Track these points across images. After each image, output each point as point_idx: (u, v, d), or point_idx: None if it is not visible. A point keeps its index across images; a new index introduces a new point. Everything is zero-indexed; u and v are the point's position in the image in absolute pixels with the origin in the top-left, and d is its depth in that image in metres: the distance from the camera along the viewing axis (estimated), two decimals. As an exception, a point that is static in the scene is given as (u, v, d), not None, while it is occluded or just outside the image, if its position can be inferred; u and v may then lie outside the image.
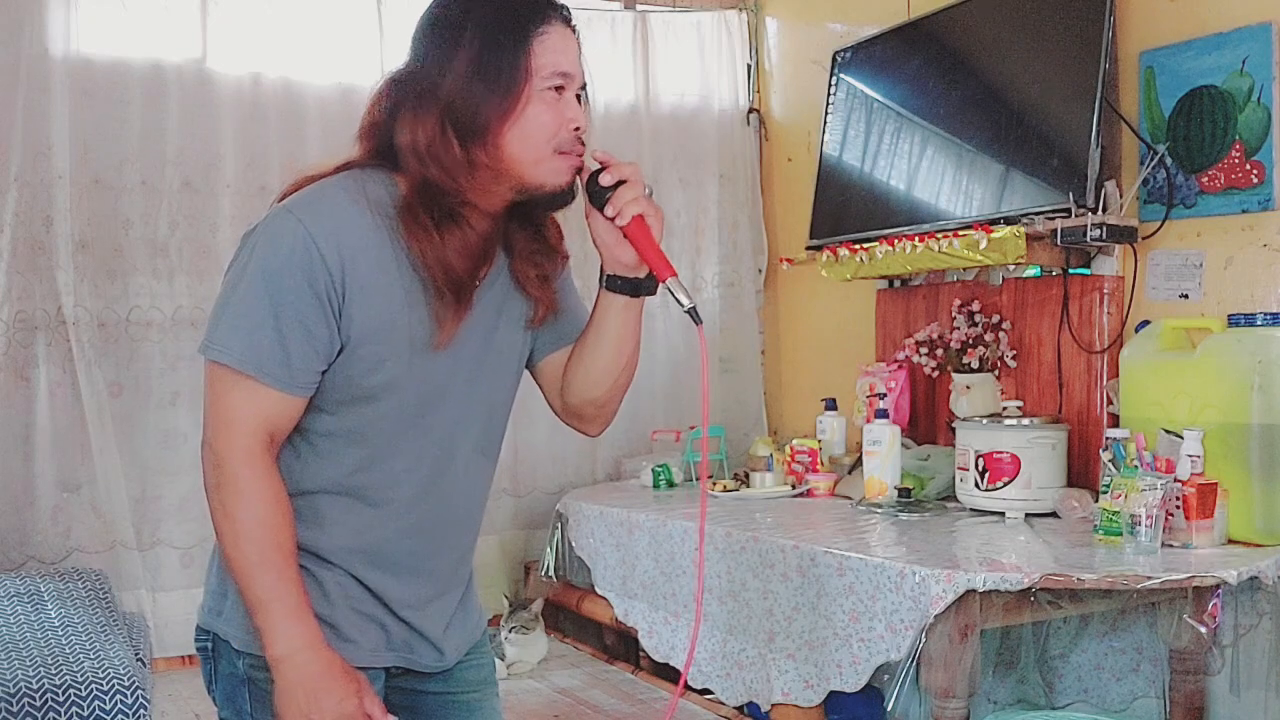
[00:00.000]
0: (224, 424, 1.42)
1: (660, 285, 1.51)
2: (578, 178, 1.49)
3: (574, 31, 1.49)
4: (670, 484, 3.88)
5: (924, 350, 3.56)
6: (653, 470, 3.90)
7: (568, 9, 1.49)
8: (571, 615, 3.98)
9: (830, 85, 4.03)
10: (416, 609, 1.56)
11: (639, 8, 4.56)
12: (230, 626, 1.50)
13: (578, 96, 1.48)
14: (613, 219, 1.48)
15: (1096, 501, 2.70)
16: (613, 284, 1.55)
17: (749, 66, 4.67)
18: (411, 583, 1.55)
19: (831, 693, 2.64)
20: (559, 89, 1.45)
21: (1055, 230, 3.01)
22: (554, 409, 1.69)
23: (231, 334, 1.41)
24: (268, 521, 1.42)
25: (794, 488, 3.59)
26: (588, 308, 1.62)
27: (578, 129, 1.47)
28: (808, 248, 3.96)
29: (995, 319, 3.40)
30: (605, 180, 1.48)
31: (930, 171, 3.58)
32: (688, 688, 3.23)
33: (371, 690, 1.47)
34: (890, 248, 3.44)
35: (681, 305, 1.46)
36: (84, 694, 2.43)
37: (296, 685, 1.42)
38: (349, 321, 1.42)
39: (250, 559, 1.41)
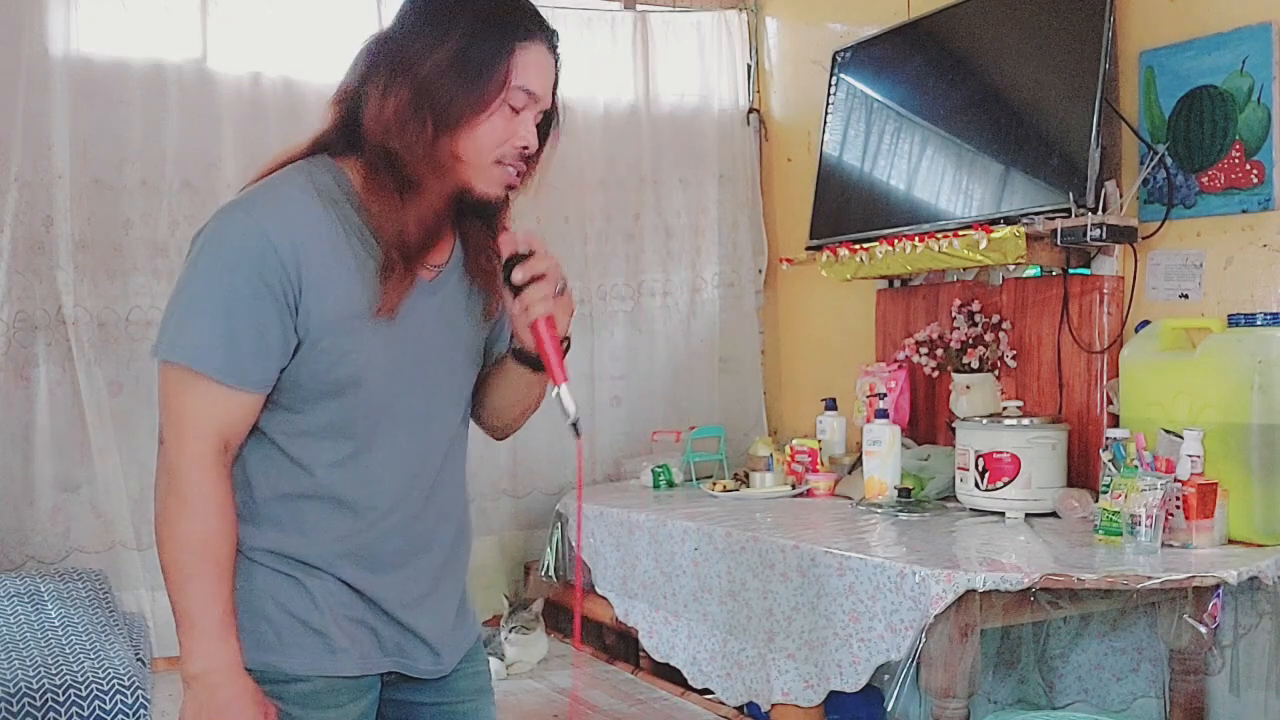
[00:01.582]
0: (176, 427, 1.40)
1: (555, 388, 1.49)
2: (502, 240, 1.48)
3: (555, 58, 1.49)
4: (670, 484, 3.88)
5: (924, 350, 3.56)
6: (652, 470, 3.90)
7: (557, 35, 1.49)
8: (572, 615, 3.97)
9: (830, 85, 4.03)
10: (411, 607, 1.55)
11: (639, 8, 4.56)
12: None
13: (540, 119, 1.49)
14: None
15: (1096, 501, 2.70)
16: (518, 355, 1.56)
17: (749, 66, 4.67)
18: (400, 580, 1.54)
19: (831, 693, 2.64)
20: (521, 106, 1.45)
21: (1055, 230, 3.01)
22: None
23: (181, 333, 1.39)
24: (207, 534, 1.40)
25: (794, 488, 3.59)
26: None
27: (524, 148, 1.47)
28: (808, 248, 3.96)
29: (995, 319, 3.40)
30: (518, 278, 1.46)
31: (930, 171, 3.58)
32: (688, 688, 3.24)
33: None
34: (890, 248, 3.44)
35: (566, 416, 1.46)
36: (84, 694, 2.42)
37: (203, 707, 1.41)
38: (306, 314, 1.40)
39: (183, 570, 1.40)
